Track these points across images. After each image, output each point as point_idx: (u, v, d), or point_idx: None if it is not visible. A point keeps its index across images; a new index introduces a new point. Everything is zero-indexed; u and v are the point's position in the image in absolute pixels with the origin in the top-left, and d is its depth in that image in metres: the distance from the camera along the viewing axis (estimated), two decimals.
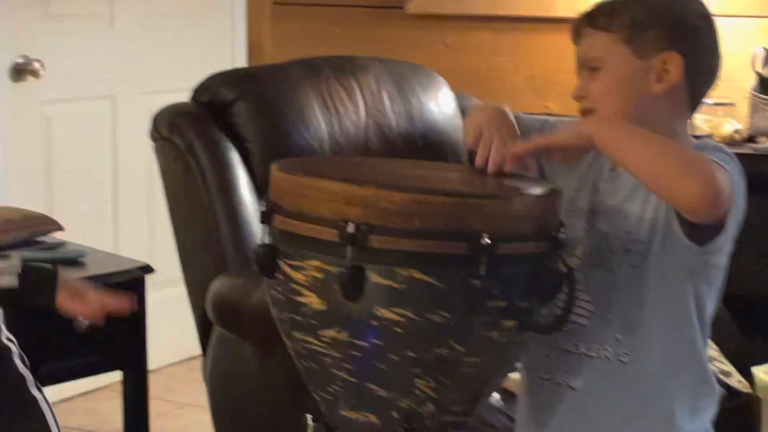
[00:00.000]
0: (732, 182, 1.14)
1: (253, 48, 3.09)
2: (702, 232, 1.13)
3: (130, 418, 2.16)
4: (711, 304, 1.30)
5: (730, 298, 1.75)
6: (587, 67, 1.28)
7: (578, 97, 1.29)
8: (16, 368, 1.57)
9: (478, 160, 1.26)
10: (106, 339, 1.89)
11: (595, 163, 1.30)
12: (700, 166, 1.08)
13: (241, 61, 3.08)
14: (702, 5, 1.33)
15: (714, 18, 1.30)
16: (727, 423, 1.43)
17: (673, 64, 1.21)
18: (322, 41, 3.07)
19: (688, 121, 1.33)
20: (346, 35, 3.20)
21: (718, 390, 1.37)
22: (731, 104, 2.56)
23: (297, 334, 1.19)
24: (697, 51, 1.25)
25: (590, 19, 1.27)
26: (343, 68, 2.35)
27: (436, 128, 2.36)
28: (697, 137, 1.59)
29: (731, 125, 2.46)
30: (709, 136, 2.24)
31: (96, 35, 2.76)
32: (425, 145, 2.35)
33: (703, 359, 1.32)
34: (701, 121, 2.44)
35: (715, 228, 1.12)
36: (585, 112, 1.29)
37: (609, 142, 1.15)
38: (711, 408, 1.33)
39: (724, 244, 1.21)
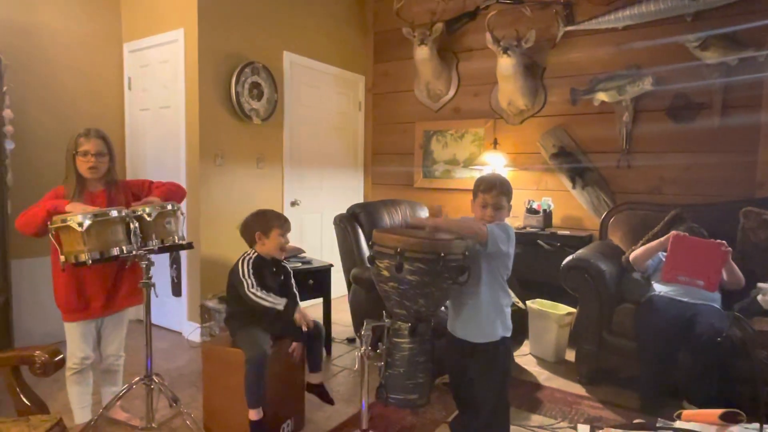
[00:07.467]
0: (491, 232, 2.24)
1: (365, 195, 6.46)
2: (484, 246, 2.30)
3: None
4: (505, 273, 2.37)
5: (519, 275, 3.66)
6: (493, 205, 2.39)
7: (491, 219, 2.39)
8: None
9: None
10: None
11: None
12: (478, 228, 2.27)
13: (360, 199, 6.40)
14: (503, 176, 2.45)
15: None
16: (516, 320, 2.66)
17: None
18: (386, 195, 5.10)
19: None
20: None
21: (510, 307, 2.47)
22: (514, 217, 4.80)
23: (380, 284, 2.34)
24: None
25: (500, 190, 2.38)
26: (393, 203, 4.14)
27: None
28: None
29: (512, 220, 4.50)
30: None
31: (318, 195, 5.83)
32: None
33: (506, 294, 2.37)
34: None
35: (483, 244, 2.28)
36: (490, 221, 2.38)
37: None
38: (509, 313, 2.42)
39: (500, 250, 2.32)
